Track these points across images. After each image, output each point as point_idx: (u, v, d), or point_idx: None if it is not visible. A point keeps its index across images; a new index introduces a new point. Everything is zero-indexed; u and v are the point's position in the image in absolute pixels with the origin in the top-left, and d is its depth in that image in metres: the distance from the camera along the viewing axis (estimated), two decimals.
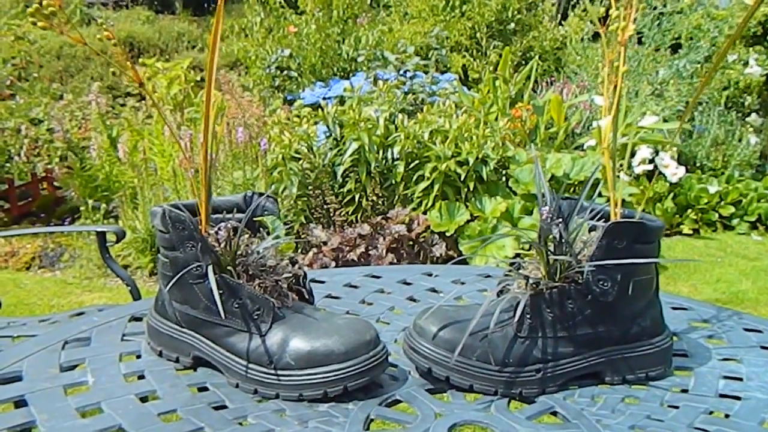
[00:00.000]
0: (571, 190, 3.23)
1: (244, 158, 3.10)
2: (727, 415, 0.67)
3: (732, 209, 3.96)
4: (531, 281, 0.71)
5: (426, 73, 4.33)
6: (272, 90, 4.61)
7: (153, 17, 7.33)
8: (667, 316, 0.78)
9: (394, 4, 6.01)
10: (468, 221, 3.05)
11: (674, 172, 3.75)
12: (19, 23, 5.00)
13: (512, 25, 5.52)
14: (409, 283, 1.04)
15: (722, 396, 0.71)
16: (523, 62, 5.01)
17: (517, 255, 2.79)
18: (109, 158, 3.61)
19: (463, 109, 3.64)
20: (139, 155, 3.23)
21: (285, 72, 4.64)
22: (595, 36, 5.34)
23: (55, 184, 3.94)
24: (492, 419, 0.65)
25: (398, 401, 0.69)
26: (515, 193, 3.20)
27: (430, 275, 1.08)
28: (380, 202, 3.17)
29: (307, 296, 0.77)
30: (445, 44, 5.31)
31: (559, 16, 6.06)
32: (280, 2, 4.95)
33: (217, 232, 0.73)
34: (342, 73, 4.74)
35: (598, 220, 0.76)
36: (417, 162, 3.17)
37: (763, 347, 0.83)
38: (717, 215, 3.96)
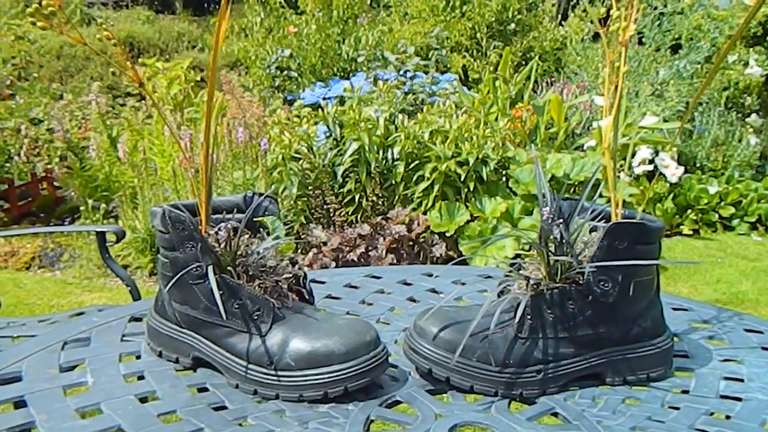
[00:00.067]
0: (572, 190, 3.23)
1: (244, 158, 3.10)
2: (728, 417, 0.67)
3: (732, 210, 3.96)
4: (532, 282, 0.71)
5: (426, 73, 4.33)
6: (272, 90, 4.61)
7: (153, 17, 7.33)
8: (667, 316, 0.78)
9: (394, 5, 6.01)
10: (468, 221, 3.05)
11: (674, 172, 3.75)
12: (19, 23, 5.00)
13: (512, 25, 5.52)
14: (409, 284, 1.04)
15: (723, 397, 0.71)
16: (524, 62, 5.02)
17: (518, 255, 2.79)
18: (109, 158, 3.61)
19: (463, 110, 3.64)
20: (139, 155, 3.23)
21: (285, 72, 4.64)
22: (596, 36, 5.34)
23: (55, 184, 3.94)
24: (492, 420, 0.65)
25: (398, 402, 0.69)
26: (515, 194, 3.20)
27: (431, 276, 1.08)
28: (380, 202, 3.16)
29: (307, 297, 0.77)
30: (445, 44, 5.31)
31: (560, 16, 6.06)
32: (280, 2, 4.95)
33: (217, 233, 0.73)
34: (342, 74, 4.74)
35: (599, 220, 0.76)
36: (417, 162, 3.17)
37: (764, 348, 0.83)
38: (717, 216, 3.95)
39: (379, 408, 0.66)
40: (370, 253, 2.77)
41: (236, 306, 0.70)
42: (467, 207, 3.07)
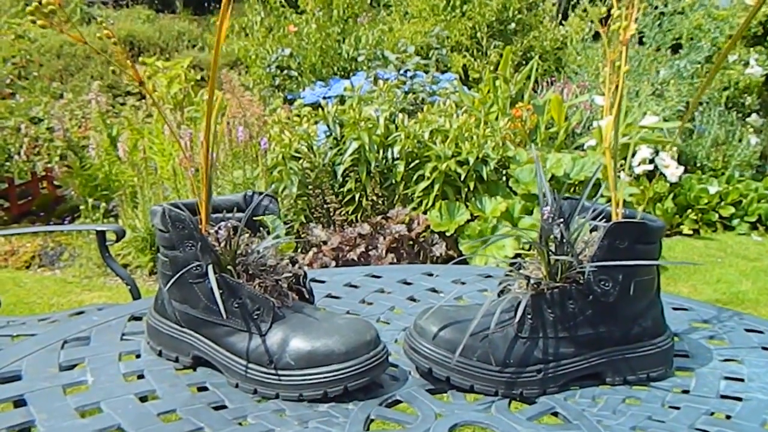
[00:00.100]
0: (572, 190, 3.23)
1: (244, 157, 3.10)
2: (728, 416, 0.67)
3: (732, 210, 3.95)
4: (532, 281, 0.71)
5: (426, 72, 4.33)
6: (272, 89, 4.61)
7: (153, 16, 7.33)
8: (668, 316, 0.78)
9: (394, 4, 6.01)
10: (468, 221, 3.05)
11: (674, 171, 3.75)
12: (19, 22, 5.00)
13: (513, 24, 5.52)
14: (409, 283, 1.04)
15: (723, 397, 0.71)
16: (524, 62, 5.01)
17: (518, 255, 2.79)
18: (108, 157, 3.61)
19: (463, 109, 3.63)
20: (139, 154, 3.23)
21: (285, 71, 4.63)
22: (596, 36, 5.34)
23: (55, 183, 3.94)
24: (492, 420, 0.64)
25: (398, 401, 0.68)
26: (515, 193, 3.20)
27: (431, 275, 1.08)
28: (380, 201, 3.16)
29: (307, 296, 0.77)
30: (445, 44, 5.31)
31: (560, 16, 6.06)
32: (280, 1, 4.95)
33: (217, 232, 0.72)
34: (342, 73, 4.74)
35: (600, 220, 0.76)
36: (417, 161, 3.17)
37: (764, 348, 0.83)
38: (717, 215, 3.95)
39: (379, 407, 0.66)
40: (370, 252, 2.77)
41: (236, 305, 0.70)
42: (467, 206, 3.07)
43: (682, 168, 3.79)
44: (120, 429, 0.61)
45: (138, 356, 0.77)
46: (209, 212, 0.73)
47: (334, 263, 2.74)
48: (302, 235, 2.92)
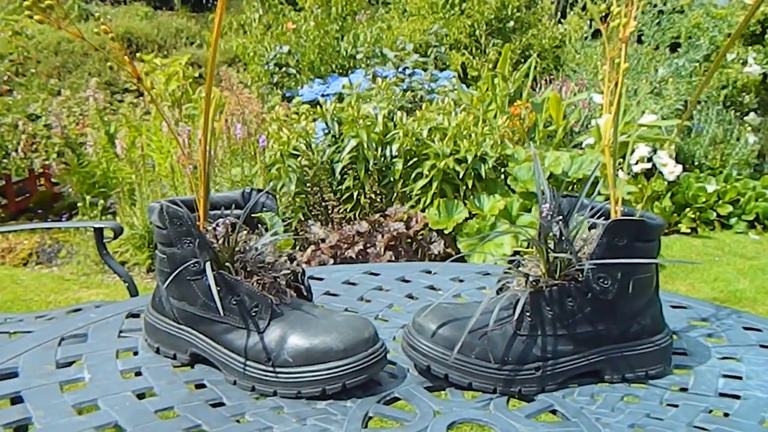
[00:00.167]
0: (570, 188, 3.23)
1: (242, 155, 3.10)
2: (726, 414, 0.67)
3: (730, 208, 3.96)
4: (531, 279, 0.71)
5: (425, 70, 4.32)
6: (271, 87, 4.60)
7: (151, 13, 7.31)
8: (666, 314, 0.78)
9: (393, 1, 6.00)
10: (466, 219, 3.04)
11: (672, 170, 3.75)
12: (17, 18, 4.98)
13: (511, 23, 5.51)
14: (407, 281, 1.04)
15: (722, 395, 0.71)
16: (522, 60, 5.01)
17: (516, 253, 2.79)
18: (106, 154, 3.60)
19: (461, 107, 3.63)
20: (137, 151, 3.22)
21: (283, 69, 4.63)
22: (595, 34, 5.34)
23: (53, 180, 3.93)
24: (491, 417, 0.64)
25: (397, 399, 0.68)
26: (514, 191, 3.20)
27: (429, 273, 1.08)
28: (378, 199, 3.16)
29: (305, 293, 0.76)
30: (444, 42, 5.30)
31: (559, 14, 6.06)
32: None
33: (215, 229, 0.72)
34: (341, 70, 4.73)
35: (598, 218, 0.76)
36: (415, 159, 3.16)
37: (762, 346, 0.83)
38: (715, 214, 3.96)
39: (378, 405, 0.66)
40: (368, 250, 2.77)
41: (234, 302, 0.70)
42: (465, 204, 3.07)
43: (680, 167, 3.79)
44: (117, 426, 0.61)
45: (135, 353, 0.77)
46: (207, 209, 0.73)
47: (332, 261, 2.73)
48: (300, 233, 2.92)
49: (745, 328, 0.88)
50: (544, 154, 3.34)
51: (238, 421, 0.63)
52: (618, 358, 0.73)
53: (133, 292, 1.68)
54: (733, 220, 3.99)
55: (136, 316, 0.86)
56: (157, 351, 0.76)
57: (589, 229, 0.75)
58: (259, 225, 0.77)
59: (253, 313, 0.70)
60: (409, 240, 2.94)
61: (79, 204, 3.42)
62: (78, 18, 6.53)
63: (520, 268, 0.73)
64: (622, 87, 0.72)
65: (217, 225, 0.72)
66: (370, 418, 0.65)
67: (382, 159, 3.17)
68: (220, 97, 3.32)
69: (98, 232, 1.70)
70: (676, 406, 0.68)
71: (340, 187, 3.18)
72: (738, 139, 4.48)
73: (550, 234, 0.71)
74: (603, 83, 0.73)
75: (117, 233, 1.71)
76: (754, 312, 2.55)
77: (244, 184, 2.99)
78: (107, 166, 3.60)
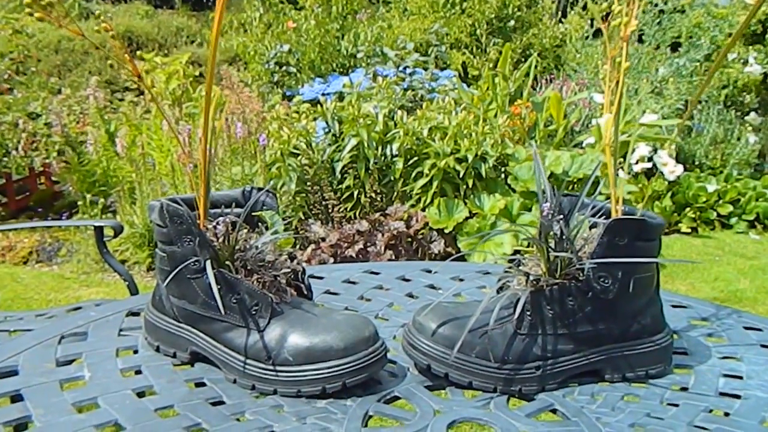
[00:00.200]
0: (570, 187, 3.23)
1: (242, 154, 3.10)
2: (727, 414, 0.67)
3: (730, 208, 3.96)
4: (531, 278, 0.71)
5: (425, 69, 4.32)
6: (271, 85, 4.60)
7: (152, 12, 7.31)
8: (666, 314, 0.78)
9: (393, 0, 6.00)
10: (467, 218, 3.04)
11: (672, 170, 3.75)
12: (17, 17, 4.98)
13: (512, 22, 5.51)
14: (408, 280, 1.04)
15: (722, 394, 0.71)
16: (523, 59, 5.01)
17: (517, 252, 2.79)
18: (107, 153, 3.60)
19: (462, 106, 3.63)
20: (138, 150, 3.22)
21: (284, 68, 4.62)
22: (595, 34, 5.34)
23: (53, 178, 3.93)
24: (491, 416, 0.64)
25: (397, 398, 0.68)
26: (514, 191, 3.20)
27: (429, 272, 1.08)
28: (379, 198, 3.16)
29: (305, 292, 0.76)
30: (444, 41, 5.30)
31: (559, 13, 6.06)
32: None
33: (215, 227, 0.72)
34: (341, 69, 4.73)
35: (599, 217, 0.76)
36: (416, 158, 3.16)
37: (763, 345, 0.83)
38: (715, 214, 3.96)
39: (378, 404, 0.66)
40: (368, 249, 2.77)
41: (234, 301, 0.70)
42: (466, 204, 3.07)
43: (681, 166, 3.79)
44: (117, 424, 0.61)
45: (135, 352, 0.77)
46: (207, 207, 0.73)
47: (332, 260, 2.73)
48: (300, 232, 2.92)
49: (746, 328, 0.88)
50: (545, 153, 3.33)
51: (238, 420, 0.63)
52: (618, 358, 0.73)
53: (133, 290, 1.68)
54: (733, 220, 3.99)
55: (136, 314, 0.86)
56: (157, 349, 0.76)
57: (590, 228, 0.75)
58: (260, 223, 0.77)
59: (254, 312, 0.70)
60: (410, 239, 2.94)
61: (79, 202, 3.42)
62: (78, 16, 6.53)
63: (520, 267, 0.73)
64: (623, 86, 0.72)
65: (218, 223, 0.72)
66: (370, 416, 0.64)
67: (383, 158, 3.17)
68: (221, 95, 3.32)
69: (98, 230, 1.70)
70: (676, 405, 0.68)
71: (340, 186, 3.18)
72: (738, 139, 4.48)
73: (551, 233, 0.70)
74: (604, 82, 0.73)
75: (117, 232, 1.71)
76: (755, 312, 2.55)
77: (245, 183, 2.99)
78: (107, 165, 3.60)
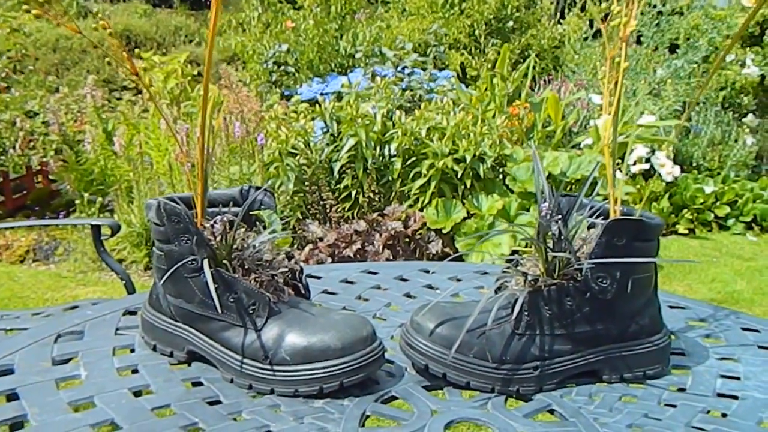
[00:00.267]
0: (568, 188, 3.23)
1: (240, 153, 3.09)
2: (724, 414, 0.67)
3: (728, 209, 3.96)
4: (529, 278, 0.71)
5: (424, 69, 4.32)
6: (269, 85, 4.59)
7: (150, 11, 7.30)
8: (664, 314, 0.78)
9: (392, 1, 6.00)
10: (464, 219, 3.04)
11: (669, 171, 3.76)
12: (15, 15, 4.97)
13: (511, 23, 5.51)
14: (405, 280, 1.04)
15: (720, 395, 0.71)
16: (521, 60, 5.01)
17: (515, 252, 2.79)
18: (104, 152, 3.59)
19: (460, 107, 3.63)
20: (135, 149, 3.22)
21: (282, 67, 4.62)
22: (594, 35, 5.35)
23: (50, 177, 3.92)
24: (489, 417, 0.64)
25: (394, 398, 0.68)
26: (512, 191, 3.20)
27: (427, 272, 1.08)
28: (377, 198, 3.16)
29: (303, 291, 0.76)
30: (443, 41, 5.30)
31: (558, 14, 6.06)
32: None
33: (212, 226, 0.72)
34: (340, 69, 4.73)
35: (597, 217, 0.76)
36: (414, 159, 3.16)
37: (760, 347, 0.83)
38: (712, 215, 3.96)
39: (375, 404, 0.66)
40: (366, 249, 2.76)
41: (231, 300, 0.70)
42: (464, 204, 3.07)
43: (678, 168, 3.80)
44: (113, 423, 0.61)
45: (132, 351, 0.76)
46: (205, 206, 0.73)
47: (330, 260, 2.73)
48: (298, 232, 2.92)
49: (743, 329, 0.88)
50: (543, 154, 3.33)
51: (234, 419, 0.62)
52: (616, 358, 0.73)
53: (131, 289, 1.68)
54: (730, 222, 3.99)
55: (133, 313, 0.86)
56: (154, 348, 0.76)
57: (588, 228, 0.75)
58: (257, 222, 0.77)
59: (251, 311, 0.69)
60: (407, 239, 2.94)
61: (76, 201, 3.42)
62: (76, 15, 6.52)
63: (518, 267, 0.73)
64: (622, 87, 0.72)
65: (215, 222, 0.72)
66: (368, 416, 0.64)
67: (381, 158, 3.17)
68: (219, 94, 3.32)
69: (95, 229, 1.70)
70: (674, 406, 0.68)
71: (338, 185, 3.18)
72: (736, 141, 4.49)
73: (549, 233, 0.70)
74: (602, 83, 0.73)
75: (114, 230, 1.71)
76: (752, 313, 2.55)
77: (243, 183, 2.98)
78: (105, 164, 3.59)
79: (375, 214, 2.94)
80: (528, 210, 3.12)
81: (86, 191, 3.45)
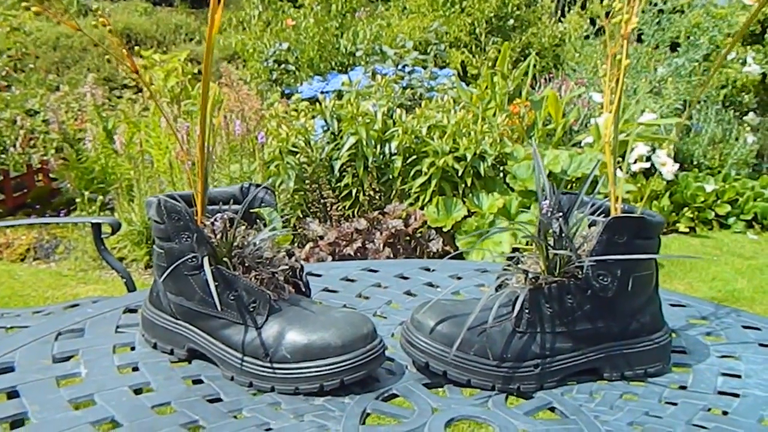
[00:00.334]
0: (568, 187, 3.23)
1: (241, 151, 3.09)
2: (725, 412, 0.67)
3: (728, 208, 3.96)
4: (530, 276, 0.70)
5: (424, 68, 4.32)
6: (270, 83, 4.59)
7: (150, 9, 7.30)
8: (665, 312, 0.78)
9: None
10: (465, 217, 3.04)
11: (669, 169, 3.76)
12: (15, 14, 4.97)
13: (511, 21, 5.51)
14: (406, 278, 1.04)
15: (721, 393, 0.70)
16: (522, 58, 5.00)
17: (515, 250, 2.79)
18: (105, 150, 3.59)
19: (461, 105, 3.63)
20: (136, 147, 3.22)
21: (283, 65, 4.62)
22: (595, 33, 5.34)
23: (51, 175, 3.92)
24: (489, 414, 0.64)
25: (395, 395, 0.68)
26: (512, 190, 3.20)
27: (428, 270, 1.08)
28: (377, 196, 3.16)
29: (303, 289, 0.76)
30: (444, 39, 5.30)
31: (558, 12, 6.06)
32: None
33: (213, 223, 0.72)
34: (340, 68, 4.73)
35: (598, 215, 0.75)
36: (414, 157, 3.16)
37: (761, 344, 0.83)
38: (713, 214, 3.96)
39: (376, 401, 0.66)
40: (366, 247, 2.76)
41: (232, 297, 0.70)
42: (464, 202, 3.07)
43: (677, 165, 3.80)
44: (114, 421, 0.60)
45: (133, 348, 0.76)
46: (205, 203, 0.73)
47: (330, 258, 2.73)
48: (299, 230, 2.92)
49: (744, 327, 0.88)
50: (543, 152, 3.33)
51: (235, 417, 0.62)
52: (617, 356, 0.73)
53: (131, 287, 1.68)
54: (731, 220, 3.99)
55: (133, 311, 0.86)
56: (155, 346, 0.76)
57: (589, 226, 0.75)
58: (258, 220, 0.77)
59: (251, 309, 0.69)
60: (408, 238, 2.93)
61: (77, 200, 3.42)
62: (77, 13, 6.52)
63: (519, 265, 0.73)
64: (623, 85, 0.72)
65: (215, 220, 0.72)
66: (368, 414, 0.64)
67: (381, 156, 3.17)
68: (219, 93, 3.32)
69: (96, 227, 1.70)
70: (675, 404, 0.68)
71: (338, 184, 3.17)
72: (737, 139, 4.48)
73: (550, 231, 0.70)
74: (603, 81, 0.73)
75: (115, 229, 1.70)
76: (752, 311, 2.54)
77: (243, 181, 2.98)
78: (106, 162, 3.59)
79: (375, 213, 2.94)
80: (528, 208, 3.12)
81: (87, 189, 3.45)
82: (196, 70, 4.36)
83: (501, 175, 3.29)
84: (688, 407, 0.67)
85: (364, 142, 3.10)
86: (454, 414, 0.64)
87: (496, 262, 1.22)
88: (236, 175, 3.02)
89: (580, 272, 0.70)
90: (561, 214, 0.70)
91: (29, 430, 0.58)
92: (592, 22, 5.42)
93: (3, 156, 3.78)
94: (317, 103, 3.34)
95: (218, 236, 0.71)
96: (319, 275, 1.03)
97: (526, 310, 0.70)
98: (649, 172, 3.76)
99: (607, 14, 0.74)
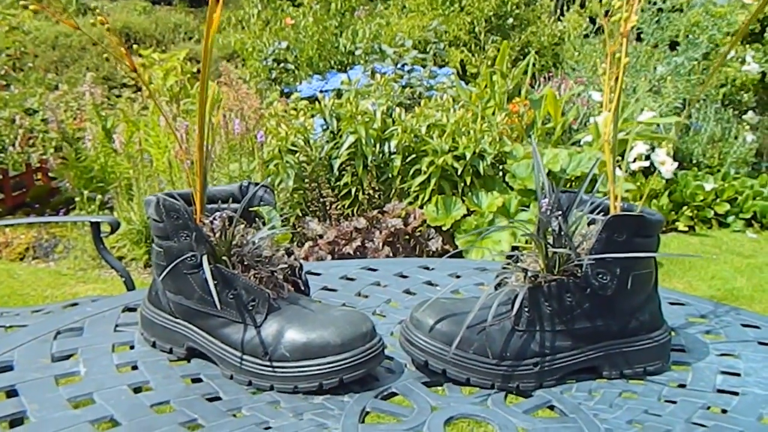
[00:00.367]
0: (568, 185, 3.23)
1: (240, 150, 3.09)
2: (724, 411, 0.67)
3: (727, 206, 3.96)
4: (529, 274, 0.70)
5: (424, 67, 4.32)
6: (269, 82, 4.59)
7: (149, 8, 7.29)
8: (664, 311, 0.78)
9: None
10: (464, 216, 3.04)
11: (668, 168, 3.76)
12: (14, 13, 4.97)
13: (511, 20, 5.51)
14: (405, 276, 1.04)
15: (720, 391, 0.70)
16: (521, 57, 5.00)
17: (515, 248, 2.79)
18: (104, 149, 3.59)
19: (460, 104, 3.63)
20: (135, 146, 3.21)
21: (282, 64, 4.62)
22: (595, 32, 5.34)
23: (50, 174, 3.92)
24: (488, 413, 0.64)
25: (394, 394, 0.68)
26: (512, 189, 3.20)
27: (427, 268, 1.08)
28: (377, 195, 3.16)
29: (302, 288, 0.76)
30: (443, 38, 5.30)
31: (558, 11, 6.05)
32: None
33: (212, 222, 0.72)
34: (339, 66, 4.72)
35: (597, 213, 0.75)
36: (414, 156, 3.16)
37: (760, 343, 0.83)
38: (712, 212, 3.96)
39: (375, 400, 0.66)
40: (366, 246, 2.76)
41: (231, 296, 0.70)
42: (464, 201, 3.07)
43: (676, 164, 3.80)
44: (113, 420, 0.60)
45: (132, 347, 0.76)
46: (204, 202, 0.73)
47: (330, 257, 2.73)
48: (298, 229, 2.91)
49: (743, 325, 0.88)
50: (543, 151, 3.33)
51: (234, 416, 0.62)
52: (616, 354, 0.73)
53: (130, 286, 1.68)
54: (730, 219, 3.99)
55: (132, 310, 0.86)
56: (154, 345, 0.76)
57: (589, 224, 0.75)
58: (257, 219, 0.77)
59: (250, 308, 0.69)
60: (407, 237, 2.93)
61: (76, 199, 3.41)
62: (76, 12, 6.51)
63: (518, 264, 0.73)
64: (622, 83, 0.72)
65: (214, 218, 0.72)
66: (367, 413, 0.64)
67: (381, 155, 3.17)
68: (218, 92, 3.32)
69: (95, 226, 1.70)
70: (674, 402, 0.68)
71: (338, 183, 3.17)
72: (736, 138, 4.48)
73: (549, 229, 0.70)
74: (603, 80, 0.73)
75: (114, 228, 1.70)
76: (752, 310, 2.55)
77: (242, 180, 2.97)
78: (105, 161, 3.59)
79: (375, 212, 2.94)
80: (528, 207, 3.12)
81: (86, 188, 3.44)
82: (195, 69, 4.36)
83: (500, 173, 3.29)
84: (687, 405, 0.67)
85: (364, 141, 3.09)
86: (453, 412, 0.64)
87: (495, 261, 1.22)
88: (235, 173, 3.02)
89: (580, 270, 0.70)
90: (560, 212, 0.70)
91: (28, 429, 0.58)
92: (592, 20, 5.42)
93: (2, 155, 3.78)
94: (316, 102, 3.34)
95: (217, 235, 0.71)
96: (318, 274, 1.03)
97: (526, 309, 0.70)
98: (649, 171, 3.77)
99: (606, 13, 0.74)
